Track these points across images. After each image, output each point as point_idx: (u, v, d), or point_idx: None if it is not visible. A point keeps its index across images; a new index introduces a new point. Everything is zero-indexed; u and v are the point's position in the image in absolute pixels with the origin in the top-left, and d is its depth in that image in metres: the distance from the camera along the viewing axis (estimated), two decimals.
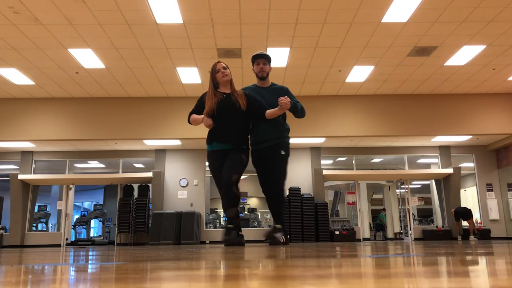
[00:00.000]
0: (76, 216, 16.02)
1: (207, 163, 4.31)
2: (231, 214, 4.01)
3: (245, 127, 4.26)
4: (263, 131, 4.29)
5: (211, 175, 4.25)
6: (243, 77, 10.23)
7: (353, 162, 13.63)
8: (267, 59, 4.42)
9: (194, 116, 4.22)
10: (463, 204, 12.86)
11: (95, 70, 9.83)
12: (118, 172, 13.29)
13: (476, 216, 13.15)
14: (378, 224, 15.85)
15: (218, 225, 13.49)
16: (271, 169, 4.25)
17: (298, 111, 4.30)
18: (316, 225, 12.05)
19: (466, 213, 11.83)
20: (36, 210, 13.35)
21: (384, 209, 16.07)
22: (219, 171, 4.10)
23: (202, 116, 4.13)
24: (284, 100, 4.00)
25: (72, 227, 13.95)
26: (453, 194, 12.59)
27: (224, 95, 4.15)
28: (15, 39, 8.29)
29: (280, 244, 4.15)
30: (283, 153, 4.26)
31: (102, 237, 16.25)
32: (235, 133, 4.14)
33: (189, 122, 4.30)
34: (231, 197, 3.95)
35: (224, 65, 4.21)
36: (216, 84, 4.21)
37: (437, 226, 12.94)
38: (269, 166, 4.26)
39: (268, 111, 4.15)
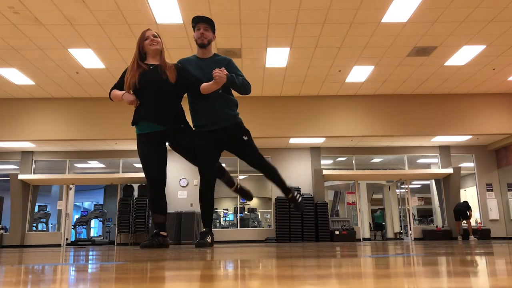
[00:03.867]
0: (76, 216, 16.02)
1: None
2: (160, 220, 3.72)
3: (176, 103, 3.65)
4: (203, 111, 3.71)
5: None
6: None
7: (353, 162, 13.63)
8: (209, 24, 3.78)
9: (115, 91, 3.59)
10: None
11: (95, 70, 9.83)
12: (118, 172, 13.29)
13: (476, 216, 13.15)
14: (377, 223, 15.86)
15: (218, 225, 13.49)
16: (244, 154, 3.80)
17: (238, 85, 3.65)
18: (316, 225, 12.05)
19: (464, 213, 11.82)
20: (36, 210, 13.35)
21: (379, 209, 16.07)
22: (149, 157, 3.56)
23: (123, 92, 3.53)
24: (219, 72, 3.45)
25: (72, 227, 13.95)
26: (453, 194, 12.59)
27: (151, 67, 3.56)
28: (15, 39, 8.29)
29: (301, 205, 4.01)
30: (245, 138, 3.76)
31: (102, 237, 16.25)
32: (165, 111, 3.55)
33: (110, 99, 3.67)
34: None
35: (155, 33, 3.65)
36: (144, 55, 3.61)
37: (437, 226, 12.94)
38: (238, 151, 3.80)
39: (203, 85, 3.56)
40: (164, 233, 3.76)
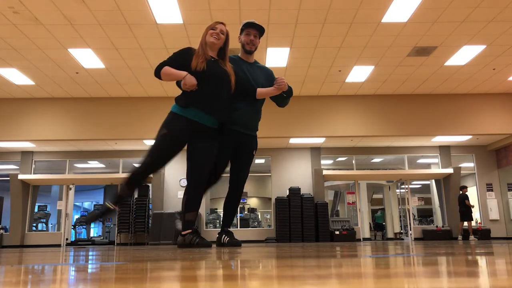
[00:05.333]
0: (76, 216, 16.03)
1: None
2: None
3: (229, 106, 3.53)
4: (244, 112, 3.65)
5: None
6: None
7: (353, 162, 13.63)
8: (260, 31, 3.74)
9: (170, 69, 3.33)
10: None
11: (95, 70, 9.83)
12: (118, 172, 13.29)
13: (476, 216, 13.14)
14: (377, 224, 15.86)
15: (218, 225, 13.49)
16: (243, 165, 3.76)
17: (288, 98, 3.77)
18: (316, 225, 12.05)
19: (466, 214, 11.79)
20: (36, 210, 13.35)
21: (380, 209, 16.07)
22: (174, 145, 3.34)
23: (186, 72, 3.29)
24: (283, 79, 3.55)
25: (72, 227, 13.96)
26: (453, 194, 12.59)
27: (213, 59, 3.44)
28: (15, 39, 8.29)
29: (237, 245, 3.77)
30: (254, 153, 3.81)
31: (102, 237, 16.25)
32: (222, 107, 3.41)
33: (157, 75, 3.38)
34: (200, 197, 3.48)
35: (224, 30, 3.47)
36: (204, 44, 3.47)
37: (437, 226, 12.94)
38: (241, 161, 3.76)
39: (260, 90, 3.58)
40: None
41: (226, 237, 3.76)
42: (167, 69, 3.33)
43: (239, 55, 3.81)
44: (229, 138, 3.62)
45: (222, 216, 3.89)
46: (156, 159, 3.35)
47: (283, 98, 3.75)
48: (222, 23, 3.51)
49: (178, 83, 3.42)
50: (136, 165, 3.40)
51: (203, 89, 3.31)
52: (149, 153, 3.35)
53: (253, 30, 3.71)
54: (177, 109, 3.37)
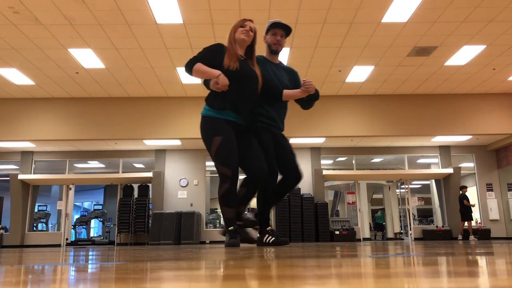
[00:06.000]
0: (76, 216, 16.03)
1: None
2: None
3: (255, 104, 3.50)
4: (270, 112, 3.59)
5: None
6: None
7: (353, 162, 13.63)
8: (286, 31, 3.65)
9: (204, 67, 3.23)
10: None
11: (95, 70, 9.83)
12: (118, 172, 13.30)
13: (476, 216, 13.14)
14: (377, 224, 15.86)
15: (218, 225, 13.49)
16: (287, 154, 3.64)
17: (313, 101, 3.70)
18: (316, 225, 12.05)
19: (466, 214, 11.78)
20: (36, 210, 13.35)
21: (380, 209, 16.06)
22: (234, 143, 3.31)
23: (219, 72, 3.20)
24: (311, 82, 3.48)
25: (72, 227, 13.96)
26: (453, 194, 12.59)
27: (242, 58, 3.39)
28: (15, 39, 8.29)
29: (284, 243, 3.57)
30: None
31: (102, 237, 16.26)
32: (247, 110, 3.41)
33: (189, 71, 3.28)
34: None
35: (253, 28, 3.42)
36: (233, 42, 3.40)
37: (437, 226, 12.94)
38: (285, 148, 3.66)
39: (287, 92, 3.52)
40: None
41: (269, 236, 3.57)
42: (200, 66, 3.24)
43: (264, 55, 3.72)
44: (267, 132, 3.54)
45: (260, 214, 3.64)
46: (233, 167, 3.25)
47: (309, 101, 3.68)
48: (250, 20, 3.45)
49: (206, 82, 3.34)
50: (221, 187, 3.30)
51: (236, 90, 3.25)
52: (224, 167, 3.25)
53: (280, 30, 3.62)
54: (213, 112, 3.28)
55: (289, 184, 3.60)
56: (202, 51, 3.34)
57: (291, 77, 3.72)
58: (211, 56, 3.29)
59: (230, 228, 3.28)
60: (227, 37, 3.40)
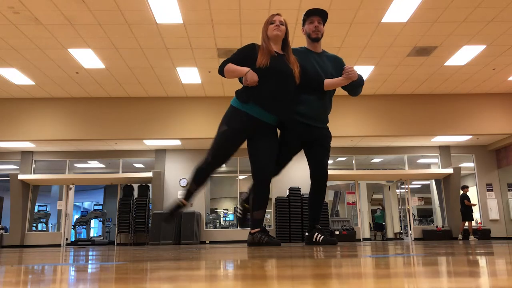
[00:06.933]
0: (76, 216, 16.03)
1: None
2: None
3: (293, 103, 3.47)
4: (313, 105, 3.51)
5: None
6: None
7: (353, 162, 13.63)
8: (323, 17, 3.59)
9: (233, 66, 3.34)
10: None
11: (95, 70, 9.83)
12: (118, 172, 13.30)
13: (476, 216, 13.14)
14: (377, 224, 15.85)
15: (218, 225, 13.50)
16: (320, 159, 3.61)
17: (360, 87, 3.61)
18: None
19: (466, 214, 11.78)
20: (36, 210, 13.35)
21: (378, 209, 16.05)
22: (235, 140, 3.37)
23: (248, 68, 3.30)
24: (352, 68, 3.40)
25: (72, 227, 13.96)
26: (453, 194, 12.59)
27: (276, 54, 3.41)
28: (15, 39, 8.29)
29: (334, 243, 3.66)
30: (329, 144, 3.65)
31: (102, 237, 16.26)
32: (283, 106, 3.36)
33: (221, 73, 3.40)
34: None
35: (282, 20, 3.46)
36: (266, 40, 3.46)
37: (437, 226, 12.94)
38: (317, 155, 3.61)
39: (328, 81, 3.46)
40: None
41: (319, 235, 3.64)
42: (230, 65, 3.36)
43: (306, 46, 3.68)
44: (295, 133, 3.54)
45: (309, 213, 3.76)
46: (218, 156, 3.41)
47: (355, 87, 3.59)
48: (278, 14, 3.49)
49: (241, 79, 3.43)
50: (200, 161, 3.50)
51: (264, 86, 3.30)
52: (211, 150, 3.42)
53: (316, 16, 3.58)
54: (237, 103, 3.38)
55: (315, 190, 3.66)
56: (235, 52, 3.46)
57: (335, 65, 3.63)
58: (242, 56, 3.40)
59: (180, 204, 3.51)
60: (260, 36, 3.48)
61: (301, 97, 3.53)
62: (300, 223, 12.01)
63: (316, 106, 3.52)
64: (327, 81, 3.47)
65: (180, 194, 12.88)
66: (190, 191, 3.52)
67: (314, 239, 3.67)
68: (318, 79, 3.47)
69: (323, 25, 3.63)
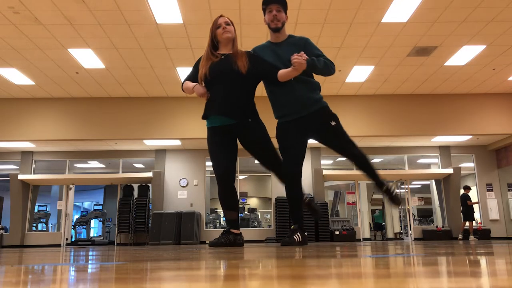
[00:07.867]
0: (76, 216, 16.03)
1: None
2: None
3: (245, 96, 3.39)
4: (284, 98, 3.40)
5: (211, 175, 3.73)
6: None
7: None
8: (281, 4, 3.42)
9: (187, 83, 3.41)
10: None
11: (95, 70, 9.83)
12: (118, 172, 13.30)
13: (476, 216, 13.15)
14: (377, 224, 15.86)
15: (218, 225, 13.49)
16: (334, 140, 3.47)
17: (319, 69, 3.33)
18: (316, 225, 12.05)
19: (467, 214, 11.79)
20: (36, 210, 13.35)
21: (377, 209, 16.05)
22: (218, 151, 3.38)
23: (195, 84, 3.35)
24: (299, 58, 3.14)
25: (72, 227, 13.95)
26: (453, 194, 12.59)
27: (222, 57, 3.36)
28: (15, 39, 8.29)
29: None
30: (333, 123, 3.41)
31: (102, 237, 16.26)
32: (234, 104, 3.31)
33: (183, 90, 3.49)
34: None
35: (228, 20, 3.41)
36: (216, 44, 3.42)
37: (437, 226, 12.94)
38: (330, 139, 3.48)
39: (281, 72, 3.28)
40: (237, 231, 3.47)
41: (393, 188, 3.61)
42: (185, 83, 3.45)
43: (270, 39, 3.58)
44: (290, 137, 3.45)
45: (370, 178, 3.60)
46: (215, 169, 3.38)
47: (315, 71, 3.38)
48: (221, 16, 3.45)
49: None
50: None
51: (213, 92, 3.32)
52: (214, 172, 3.42)
53: (274, 5, 3.41)
54: (207, 123, 3.46)
55: (360, 168, 3.55)
56: (192, 68, 3.53)
57: (299, 49, 3.35)
58: (194, 71, 3.46)
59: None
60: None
61: (272, 97, 3.50)
62: None
63: (287, 98, 3.39)
64: (280, 73, 3.30)
65: (179, 194, 12.88)
66: (230, 218, 3.47)
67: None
68: (272, 74, 3.33)
69: (285, 12, 3.46)
